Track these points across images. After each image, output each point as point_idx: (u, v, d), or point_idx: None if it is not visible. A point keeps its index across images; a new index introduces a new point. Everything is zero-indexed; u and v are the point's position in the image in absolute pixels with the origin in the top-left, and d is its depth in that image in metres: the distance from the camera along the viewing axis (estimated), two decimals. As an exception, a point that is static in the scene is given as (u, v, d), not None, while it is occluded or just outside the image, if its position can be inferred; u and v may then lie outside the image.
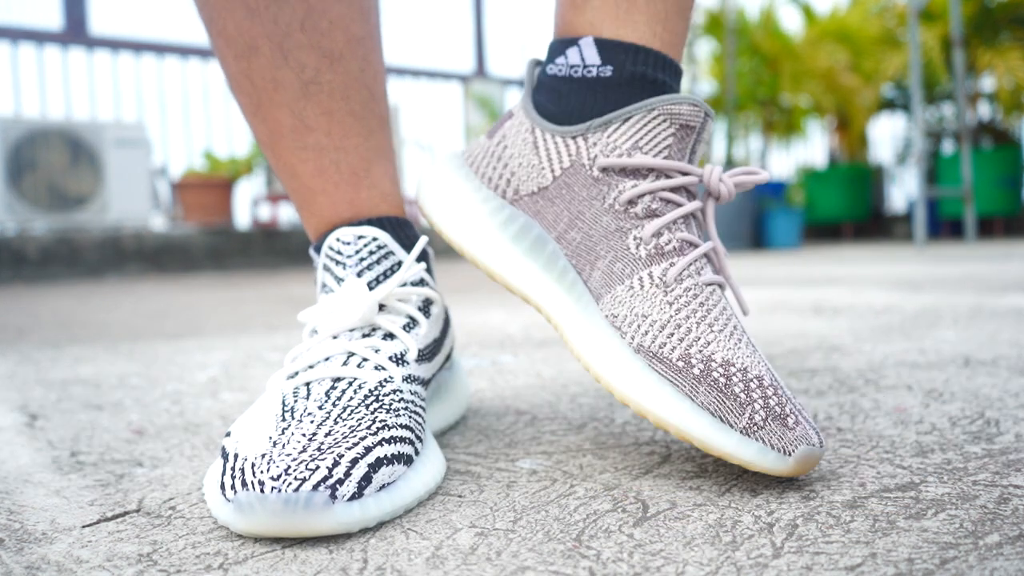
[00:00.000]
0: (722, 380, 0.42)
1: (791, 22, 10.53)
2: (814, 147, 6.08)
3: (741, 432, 0.41)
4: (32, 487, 0.47)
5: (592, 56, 0.49)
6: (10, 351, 1.13)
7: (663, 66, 0.49)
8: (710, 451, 0.42)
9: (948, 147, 5.43)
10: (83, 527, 0.40)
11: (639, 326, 0.44)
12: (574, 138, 0.49)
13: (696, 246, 0.47)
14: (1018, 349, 0.83)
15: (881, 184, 5.93)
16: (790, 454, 0.40)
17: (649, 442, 0.52)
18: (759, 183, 0.49)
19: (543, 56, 0.53)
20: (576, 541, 0.36)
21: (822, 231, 5.71)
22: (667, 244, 0.46)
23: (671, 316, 0.44)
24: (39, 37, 3.83)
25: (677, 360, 0.43)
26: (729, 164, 4.71)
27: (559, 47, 0.51)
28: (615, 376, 0.44)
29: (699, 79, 5.07)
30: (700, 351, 0.43)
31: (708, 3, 5.10)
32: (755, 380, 0.42)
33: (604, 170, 0.47)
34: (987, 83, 5.13)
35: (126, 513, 0.42)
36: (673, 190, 0.47)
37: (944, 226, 5.05)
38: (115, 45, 4.04)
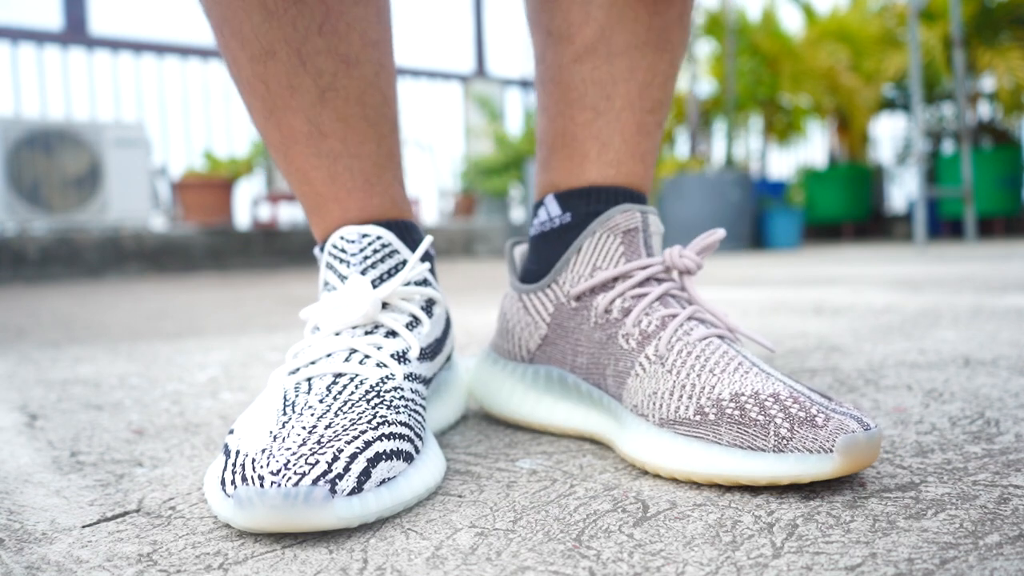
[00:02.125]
0: (736, 413, 0.43)
1: (791, 22, 10.54)
2: (814, 147, 6.08)
3: (773, 451, 0.41)
4: (32, 487, 0.47)
5: (555, 209, 0.56)
6: (10, 351, 1.13)
7: (616, 196, 0.55)
8: (757, 483, 0.41)
9: (948, 147, 5.43)
10: (83, 527, 0.40)
11: (654, 403, 0.47)
12: (549, 287, 0.55)
13: (675, 316, 0.49)
14: (1018, 349, 0.83)
15: (881, 184, 5.93)
16: (831, 449, 0.40)
17: (649, 442, 0.52)
18: (716, 240, 0.52)
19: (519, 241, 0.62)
20: (576, 541, 0.36)
21: (822, 231, 5.71)
22: (648, 327, 0.49)
23: (674, 381, 0.46)
24: (39, 37, 3.83)
25: (694, 416, 0.44)
26: (729, 164, 4.71)
27: (535, 209, 0.58)
28: (653, 456, 0.45)
29: (699, 79, 5.07)
30: (708, 398, 0.44)
31: (708, 3, 5.10)
32: (770, 399, 0.43)
33: (578, 298, 0.53)
34: (987, 83, 5.13)
35: (126, 513, 0.42)
36: (640, 284, 0.52)
37: (944, 226, 5.05)
38: (115, 45, 4.04)
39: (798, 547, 0.34)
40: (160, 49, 4.18)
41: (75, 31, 3.88)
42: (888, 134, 7.00)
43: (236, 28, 0.51)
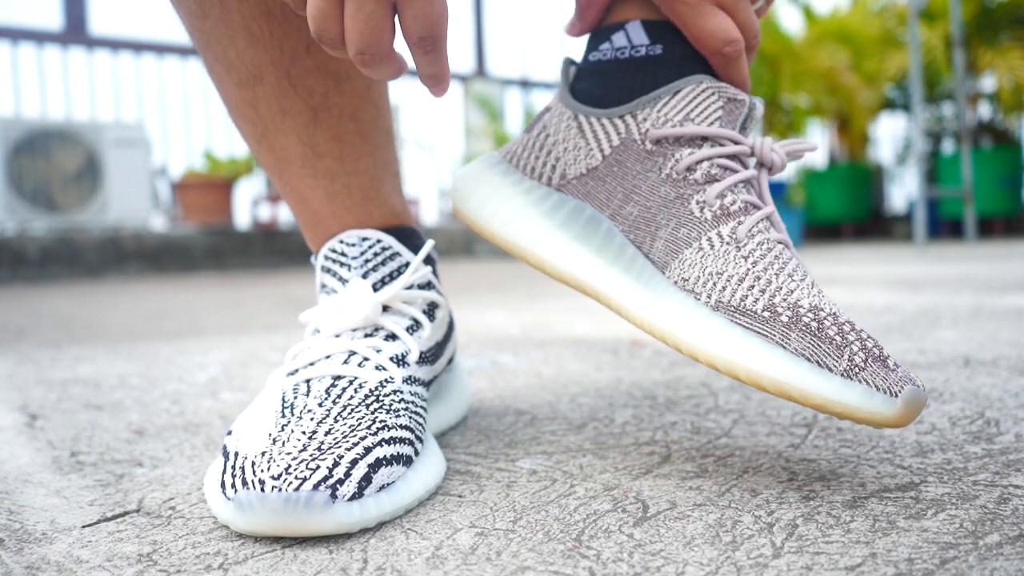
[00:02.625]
0: (814, 324, 0.40)
1: (791, 22, 10.52)
2: (814, 147, 6.07)
3: (842, 375, 0.38)
4: (32, 487, 0.47)
5: (640, 37, 0.49)
6: (10, 351, 1.12)
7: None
8: (809, 400, 0.39)
9: (948, 147, 5.43)
10: (83, 527, 0.40)
11: (715, 284, 0.43)
12: (621, 117, 0.48)
13: (759, 208, 0.46)
14: (1018, 349, 0.83)
15: (881, 184, 5.92)
16: (896, 395, 0.38)
17: (649, 442, 0.52)
18: (809, 151, 0.48)
19: (578, 56, 0.53)
20: (576, 541, 0.36)
21: (822, 231, 5.71)
22: (731, 205, 0.45)
23: (748, 269, 0.43)
24: (39, 37, 3.83)
25: (762, 311, 0.41)
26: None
27: (602, 34, 0.50)
28: (695, 336, 0.41)
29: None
30: (784, 299, 0.41)
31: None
32: (847, 324, 0.40)
33: (657, 142, 0.47)
34: (987, 83, 5.13)
35: (126, 513, 0.42)
36: (729, 157, 0.46)
37: (944, 226, 5.04)
38: (115, 45, 4.03)
39: (798, 547, 0.34)
40: (160, 49, 4.17)
41: (75, 31, 3.88)
42: (888, 134, 6.99)
43: (220, 54, 0.50)
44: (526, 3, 6.26)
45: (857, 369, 0.39)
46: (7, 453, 0.56)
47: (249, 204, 4.29)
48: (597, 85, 0.50)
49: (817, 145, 0.48)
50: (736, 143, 0.47)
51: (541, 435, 0.55)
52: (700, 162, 0.46)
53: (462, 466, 0.48)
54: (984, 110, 5.31)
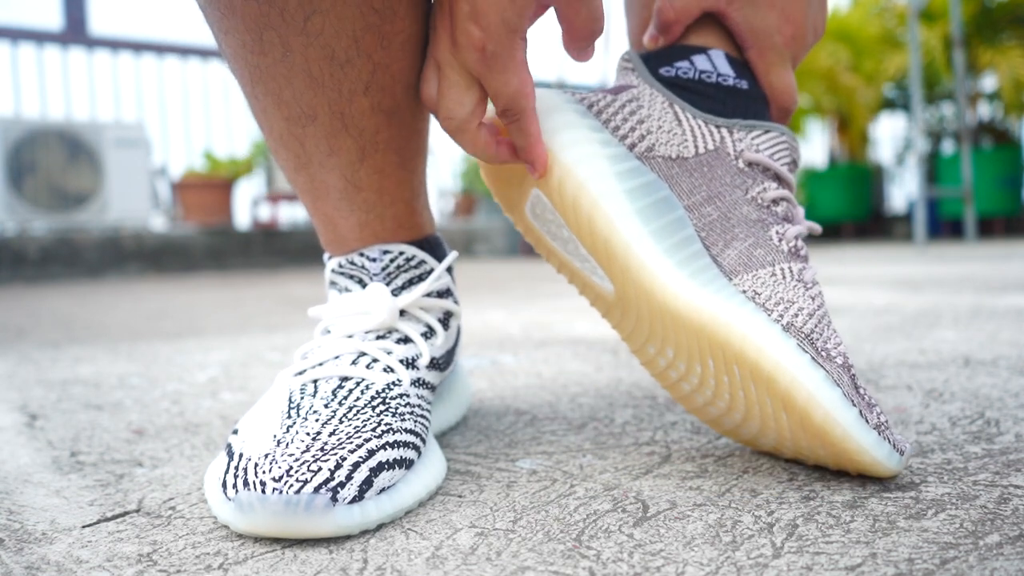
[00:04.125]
0: (856, 378, 0.43)
1: (791, 22, 10.51)
2: (814, 147, 6.08)
3: (875, 429, 0.41)
4: (32, 487, 0.47)
5: (725, 67, 0.50)
6: (10, 351, 1.13)
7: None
8: (844, 444, 0.40)
9: (948, 147, 5.43)
10: (83, 527, 0.40)
11: (787, 308, 0.43)
12: (718, 127, 0.49)
13: (807, 257, 0.48)
14: (1018, 349, 0.83)
15: (881, 184, 5.92)
16: (903, 452, 0.42)
17: (649, 442, 0.52)
18: (814, 232, 0.51)
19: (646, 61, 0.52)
20: (576, 541, 0.36)
21: (822, 231, 5.71)
22: (801, 249, 0.47)
23: (815, 309, 0.44)
24: (39, 37, 3.83)
25: (823, 348, 0.42)
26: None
27: (680, 52, 0.51)
28: (765, 345, 0.41)
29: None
30: (836, 347, 0.43)
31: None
32: (864, 384, 0.44)
33: (751, 164, 0.48)
34: (988, 83, 5.13)
35: (126, 513, 0.42)
36: (790, 202, 0.49)
37: (944, 226, 5.04)
38: (115, 45, 4.03)
39: (798, 547, 0.34)
40: (160, 49, 4.17)
41: (75, 31, 3.88)
42: (888, 134, 7.00)
43: (274, 91, 0.46)
44: (526, 3, 6.24)
45: (884, 428, 0.42)
46: (7, 453, 0.56)
47: (249, 204, 4.30)
48: (686, 92, 0.50)
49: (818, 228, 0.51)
50: (794, 198, 0.50)
51: (541, 435, 0.55)
52: (782, 199, 0.48)
53: (462, 466, 0.48)
54: (984, 110, 5.31)
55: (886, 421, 0.42)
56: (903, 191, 5.99)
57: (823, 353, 0.42)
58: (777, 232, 0.47)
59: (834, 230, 5.67)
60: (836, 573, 0.32)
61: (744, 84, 0.50)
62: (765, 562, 0.33)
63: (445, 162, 5.73)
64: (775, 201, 0.48)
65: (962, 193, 4.06)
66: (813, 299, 0.44)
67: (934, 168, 5.01)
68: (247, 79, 0.47)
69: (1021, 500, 0.39)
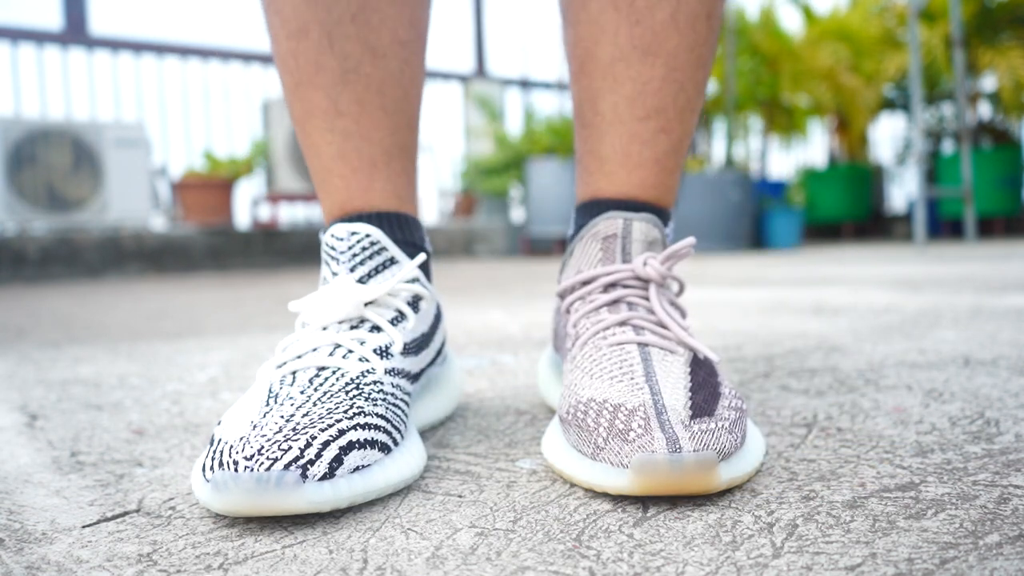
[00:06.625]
0: (580, 415, 0.45)
1: (791, 22, 10.53)
2: (814, 147, 6.08)
3: (590, 457, 0.42)
4: (32, 487, 0.47)
5: (572, 223, 0.60)
6: (10, 351, 1.13)
7: (609, 206, 0.57)
8: (581, 484, 0.43)
9: (948, 147, 5.43)
10: (83, 527, 0.40)
11: (562, 398, 0.49)
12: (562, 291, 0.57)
13: (608, 325, 0.50)
14: (1018, 349, 0.83)
15: (881, 184, 5.92)
16: (626, 466, 0.40)
17: (649, 442, 0.52)
18: (688, 248, 0.53)
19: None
20: (576, 541, 0.36)
21: (822, 231, 5.71)
22: (584, 331, 0.52)
23: (570, 381, 0.49)
24: (39, 37, 3.83)
25: (564, 414, 0.47)
26: (729, 164, 4.71)
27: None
28: (544, 445, 0.48)
29: (699, 79, 5.06)
30: (575, 399, 0.46)
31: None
32: (609, 408, 0.43)
33: (560, 297, 0.57)
34: (987, 83, 5.13)
35: (126, 513, 0.42)
36: (604, 289, 0.53)
37: (944, 226, 5.04)
38: (115, 45, 4.03)
39: (798, 547, 0.34)
40: (160, 49, 4.17)
41: (75, 31, 3.88)
42: (888, 134, 7.00)
43: (278, 7, 0.56)
44: (526, 3, 6.26)
45: (598, 450, 0.42)
46: (7, 453, 0.56)
47: (249, 204, 4.29)
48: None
49: (693, 241, 0.54)
50: (609, 274, 0.53)
51: (541, 435, 0.55)
52: (573, 303, 0.55)
53: (462, 466, 0.48)
54: (984, 110, 5.31)
55: (607, 439, 0.42)
56: (903, 191, 5.99)
57: (564, 418, 0.47)
58: (567, 334, 0.55)
59: (834, 230, 5.67)
60: (836, 573, 0.32)
61: (572, 229, 0.60)
62: (765, 562, 0.33)
63: (445, 162, 5.73)
64: (568, 309, 0.55)
65: (962, 193, 4.06)
66: (571, 372, 0.50)
67: (934, 168, 5.01)
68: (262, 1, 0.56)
69: (1021, 500, 0.39)
